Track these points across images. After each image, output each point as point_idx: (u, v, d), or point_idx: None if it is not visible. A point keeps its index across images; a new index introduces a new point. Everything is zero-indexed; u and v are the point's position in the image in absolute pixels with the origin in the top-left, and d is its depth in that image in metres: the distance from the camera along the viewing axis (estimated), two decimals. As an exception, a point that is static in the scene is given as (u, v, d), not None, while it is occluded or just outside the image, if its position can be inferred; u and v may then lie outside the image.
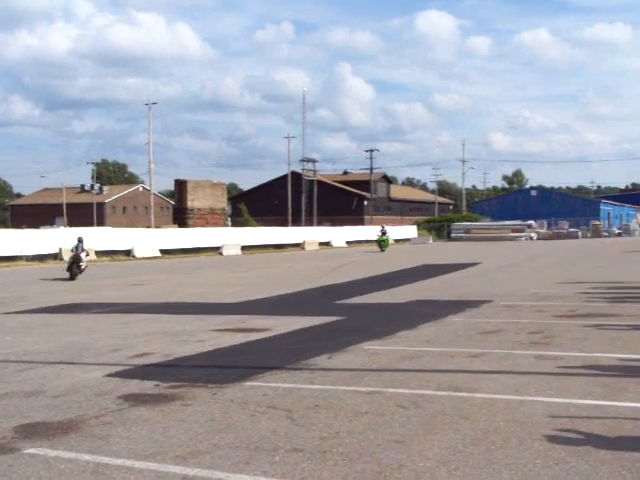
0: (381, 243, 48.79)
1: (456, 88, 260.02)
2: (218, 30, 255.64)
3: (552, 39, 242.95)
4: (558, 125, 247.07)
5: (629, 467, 4.90)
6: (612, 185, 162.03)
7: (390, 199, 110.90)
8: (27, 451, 5.57)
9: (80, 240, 27.76)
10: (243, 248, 49.28)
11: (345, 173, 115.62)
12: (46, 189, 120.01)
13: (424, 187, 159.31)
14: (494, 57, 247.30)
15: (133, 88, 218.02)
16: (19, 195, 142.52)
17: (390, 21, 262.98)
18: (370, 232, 51.22)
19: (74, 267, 26.39)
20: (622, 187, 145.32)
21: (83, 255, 27.29)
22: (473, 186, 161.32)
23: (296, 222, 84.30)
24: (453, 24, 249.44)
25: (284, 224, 76.84)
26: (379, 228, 51.97)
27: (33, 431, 6.14)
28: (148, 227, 63.13)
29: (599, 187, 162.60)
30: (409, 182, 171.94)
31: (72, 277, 26.02)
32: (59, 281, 25.16)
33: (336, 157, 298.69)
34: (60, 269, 28.57)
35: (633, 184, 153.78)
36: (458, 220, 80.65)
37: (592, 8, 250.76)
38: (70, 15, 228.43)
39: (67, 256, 30.87)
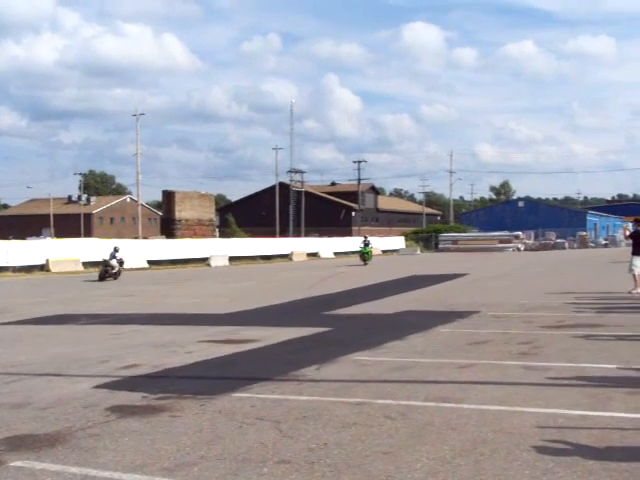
0: (364, 255, 43.95)
1: (443, 99, 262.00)
2: (205, 41, 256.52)
3: (537, 51, 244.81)
4: (544, 136, 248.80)
5: (616, 477, 4.92)
6: (599, 196, 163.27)
7: (378, 210, 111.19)
8: (13, 464, 5.53)
9: (116, 249, 32.83)
10: (231, 259, 49.21)
11: (333, 184, 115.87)
12: (33, 200, 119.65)
13: (412, 198, 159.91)
14: (480, 69, 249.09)
15: (120, 99, 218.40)
16: (6, 206, 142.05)
17: (377, 33, 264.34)
18: (358, 243, 46.89)
19: (105, 271, 31.87)
20: (609, 198, 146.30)
21: (114, 262, 32.21)
22: (461, 197, 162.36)
23: (284, 233, 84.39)
24: (439, 36, 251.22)
25: (272, 235, 76.92)
26: (361, 239, 47.25)
27: (20, 443, 6.10)
28: (136, 238, 63.00)
29: (586, 198, 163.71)
30: (397, 193, 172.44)
31: (101, 279, 31.27)
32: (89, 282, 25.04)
33: (324, 168, 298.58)
34: (48, 280, 28.46)
35: (619, 195, 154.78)
36: (446, 231, 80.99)
37: (576, 21, 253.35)
38: (57, 26, 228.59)
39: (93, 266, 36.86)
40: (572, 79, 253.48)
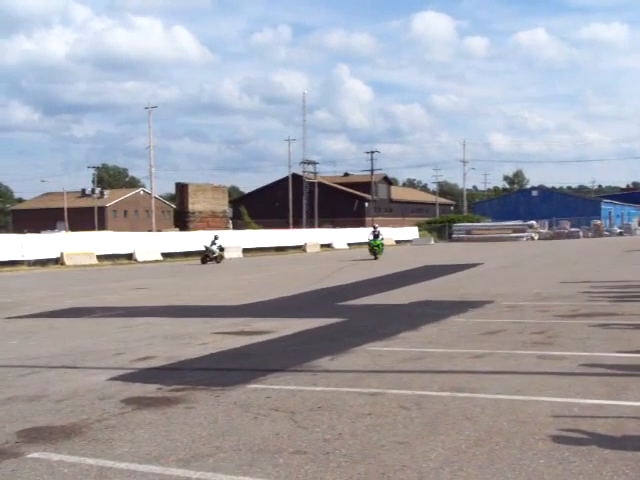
0: (374, 249, 38.99)
1: (454, 89, 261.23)
2: (216, 33, 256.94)
3: (549, 39, 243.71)
4: (557, 125, 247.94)
5: (632, 466, 4.90)
6: (613, 184, 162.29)
7: (391, 200, 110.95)
8: (30, 455, 5.57)
9: (216, 237, 39.02)
10: (244, 251, 49.27)
11: (346, 175, 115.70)
12: (47, 194, 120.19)
13: (425, 188, 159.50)
14: (492, 58, 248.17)
15: (132, 92, 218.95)
16: (20, 200, 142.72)
17: (387, 23, 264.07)
18: (367, 234, 42.05)
19: (206, 256, 38.22)
20: (623, 186, 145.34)
21: (214, 248, 38.28)
22: (474, 187, 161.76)
23: (297, 224, 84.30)
24: (450, 25, 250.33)
25: (285, 226, 76.88)
26: (370, 230, 42.01)
27: (36, 435, 6.14)
28: (149, 231, 63.22)
29: (600, 186, 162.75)
30: (410, 183, 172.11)
31: (203, 262, 37.91)
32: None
33: (335, 159, 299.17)
34: (62, 274, 28.57)
35: (634, 183, 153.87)
36: (459, 221, 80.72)
37: (588, 8, 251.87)
38: (67, 20, 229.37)
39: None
40: (585, 67, 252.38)
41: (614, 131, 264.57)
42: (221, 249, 39.16)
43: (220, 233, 42.08)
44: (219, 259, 38.80)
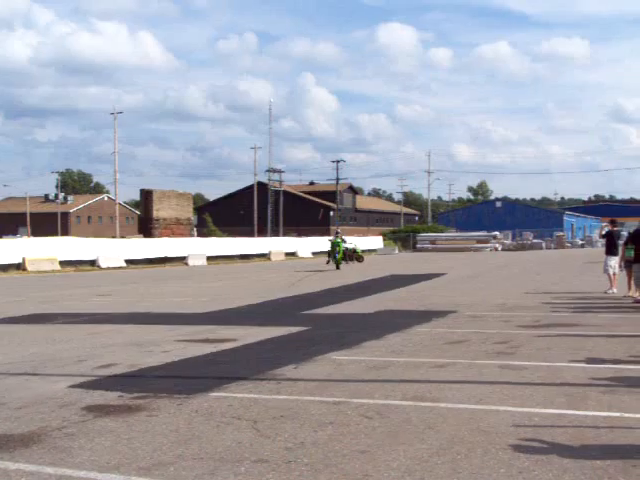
0: (335, 248, 36.94)
1: (419, 100, 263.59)
2: (181, 40, 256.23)
3: (512, 52, 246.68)
4: (520, 137, 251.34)
5: (590, 475, 4.96)
6: (575, 197, 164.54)
7: (356, 210, 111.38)
8: (-12, 464, 5.49)
9: (337, 233, 38.55)
10: (209, 258, 49.11)
11: (311, 184, 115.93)
12: (9, 198, 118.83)
13: (390, 198, 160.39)
14: (456, 69, 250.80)
15: (96, 97, 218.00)
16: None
17: (352, 33, 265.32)
18: (327, 244, 40.28)
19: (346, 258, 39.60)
20: (585, 199, 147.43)
21: (346, 246, 39.68)
22: (439, 197, 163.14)
23: (262, 232, 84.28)
24: (415, 37, 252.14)
25: (250, 234, 76.86)
26: (330, 238, 40.17)
27: (-6, 443, 6.05)
28: (113, 237, 62.69)
29: (562, 199, 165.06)
30: (375, 193, 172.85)
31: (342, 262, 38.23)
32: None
33: (300, 168, 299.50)
34: (24, 279, 28.18)
35: (596, 196, 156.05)
36: (424, 231, 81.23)
37: (550, 23, 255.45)
38: (30, 22, 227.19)
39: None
40: (546, 80, 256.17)
41: (576, 144, 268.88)
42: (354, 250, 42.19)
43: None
44: (361, 259, 42.76)
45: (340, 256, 37.24)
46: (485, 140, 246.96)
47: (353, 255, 42.82)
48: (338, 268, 36.40)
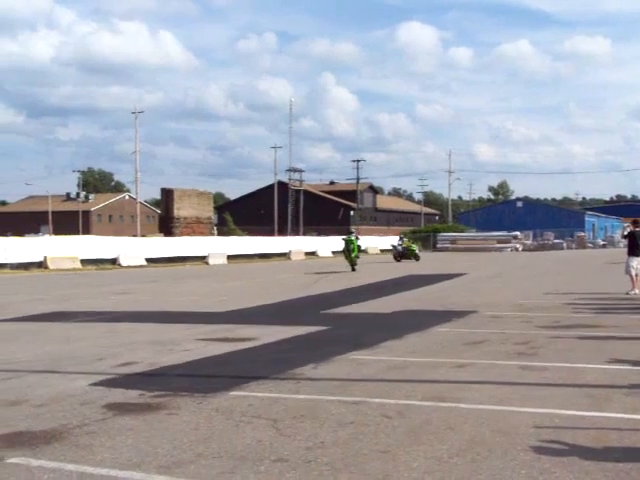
0: (349, 246, 34.17)
1: (439, 99, 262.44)
2: (202, 39, 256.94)
3: (533, 51, 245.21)
4: (542, 136, 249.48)
5: (613, 477, 4.92)
6: (597, 197, 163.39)
7: (376, 209, 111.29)
8: (10, 460, 5.52)
9: (401, 238, 47.35)
10: (229, 257, 49.19)
11: (332, 183, 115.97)
12: (31, 197, 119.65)
13: (410, 198, 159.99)
14: (476, 69, 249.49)
15: (117, 96, 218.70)
16: (4, 202, 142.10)
17: (372, 32, 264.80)
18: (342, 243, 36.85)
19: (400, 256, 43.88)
20: (607, 199, 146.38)
21: (400, 248, 44.84)
22: (459, 197, 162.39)
23: (282, 232, 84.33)
24: (435, 36, 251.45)
25: (270, 234, 76.85)
26: (344, 237, 35.70)
27: (16, 440, 6.09)
28: (134, 236, 63.00)
29: (584, 199, 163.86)
30: (395, 192, 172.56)
31: (397, 260, 43.69)
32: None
33: (321, 167, 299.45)
34: (46, 277, 28.36)
35: (618, 196, 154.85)
36: (444, 230, 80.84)
37: (572, 21, 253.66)
38: (53, 23, 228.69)
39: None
40: (568, 80, 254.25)
41: (598, 144, 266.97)
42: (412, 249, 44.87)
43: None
44: (417, 258, 44.15)
45: (355, 254, 34.26)
46: (506, 140, 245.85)
47: (408, 252, 44.69)
48: (354, 270, 33.63)
